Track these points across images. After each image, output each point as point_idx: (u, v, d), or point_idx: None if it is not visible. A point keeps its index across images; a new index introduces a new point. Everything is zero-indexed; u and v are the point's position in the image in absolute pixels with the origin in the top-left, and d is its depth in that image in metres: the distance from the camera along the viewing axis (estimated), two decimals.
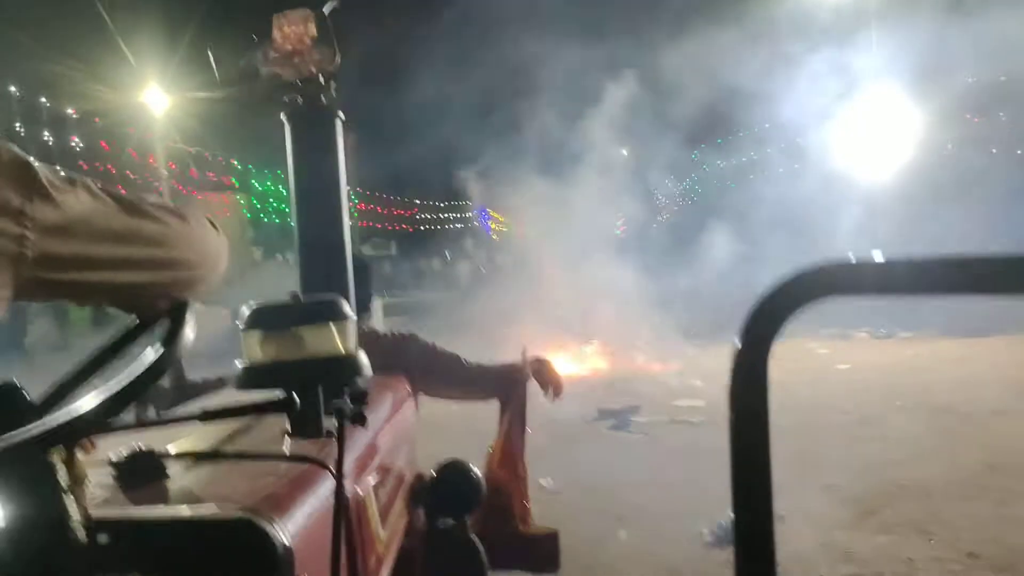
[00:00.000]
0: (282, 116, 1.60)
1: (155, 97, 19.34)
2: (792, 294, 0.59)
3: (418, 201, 30.37)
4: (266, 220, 21.69)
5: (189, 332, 0.98)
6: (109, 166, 19.66)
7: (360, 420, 1.08)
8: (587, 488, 5.65)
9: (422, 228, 31.30)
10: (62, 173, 0.85)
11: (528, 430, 2.88)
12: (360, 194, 25.81)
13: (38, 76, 16.30)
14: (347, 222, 1.65)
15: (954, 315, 12.54)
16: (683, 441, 6.77)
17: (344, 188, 1.62)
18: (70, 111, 18.90)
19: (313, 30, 1.56)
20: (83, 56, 17.38)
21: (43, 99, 17.59)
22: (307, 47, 1.56)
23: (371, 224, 28.61)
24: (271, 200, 22.65)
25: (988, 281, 0.59)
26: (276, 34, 1.56)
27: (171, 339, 0.95)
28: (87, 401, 0.85)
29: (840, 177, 14.81)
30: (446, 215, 32.62)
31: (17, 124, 17.35)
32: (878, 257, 0.61)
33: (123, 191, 0.95)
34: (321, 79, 1.57)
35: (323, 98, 1.58)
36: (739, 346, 0.59)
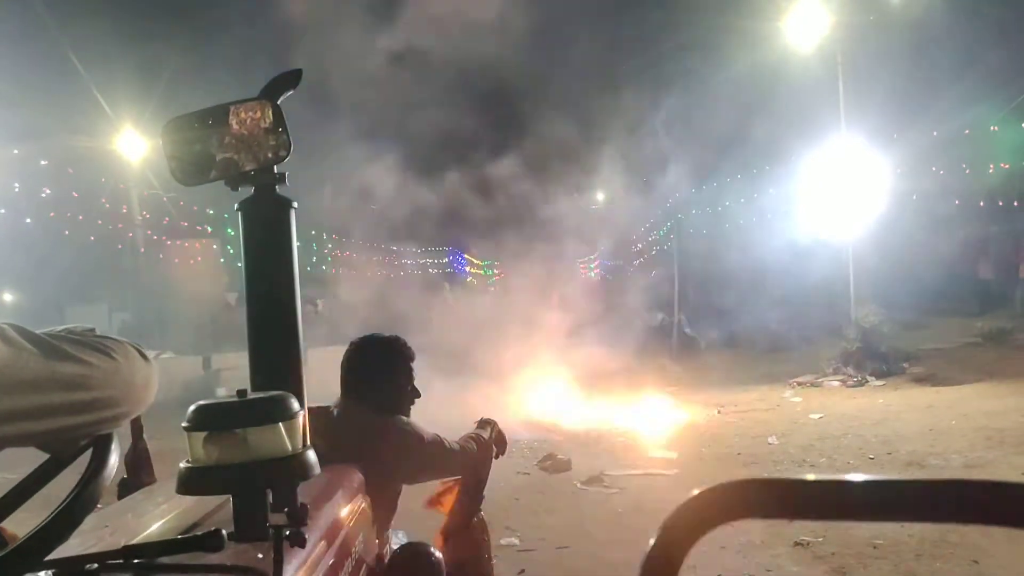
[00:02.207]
0: (236, 206, 1.60)
1: (129, 143, 19.30)
2: (710, 511, 0.57)
3: (395, 248, 30.33)
4: (240, 266, 21.54)
5: (112, 463, 0.95)
6: (80, 217, 19.47)
7: (299, 543, 1.05)
8: (559, 546, 5.57)
9: (401, 273, 31.19)
10: None
11: (483, 496, 2.81)
12: (336, 241, 25.75)
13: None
14: (300, 314, 1.63)
15: (925, 364, 12.75)
16: (658, 495, 6.71)
17: (297, 279, 1.62)
18: (43, 162, 18.80)
19: (269, 118, 1.57)
20: (56, 100, 17.36)
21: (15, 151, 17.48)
22: (262, 136, 1.56)
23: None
24: None
25: (915, 505, 0.58)
26: (232, 121, 1.57)
27: (94, 476, 0.92)
28: (10, 546, 0.82)
29: (813, 227, 15.03)
30: (422, 260, 32.62)
31: None
32: (798, 475, 0.59)
33: (43, 333, 0.92)
34: (275, 168, 1.57)
35: (277, 187, 1.59)
36: (648, 558, 0.56)
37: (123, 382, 1.00)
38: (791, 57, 14.70)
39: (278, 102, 1.55)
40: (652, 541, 0.56)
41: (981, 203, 17.84)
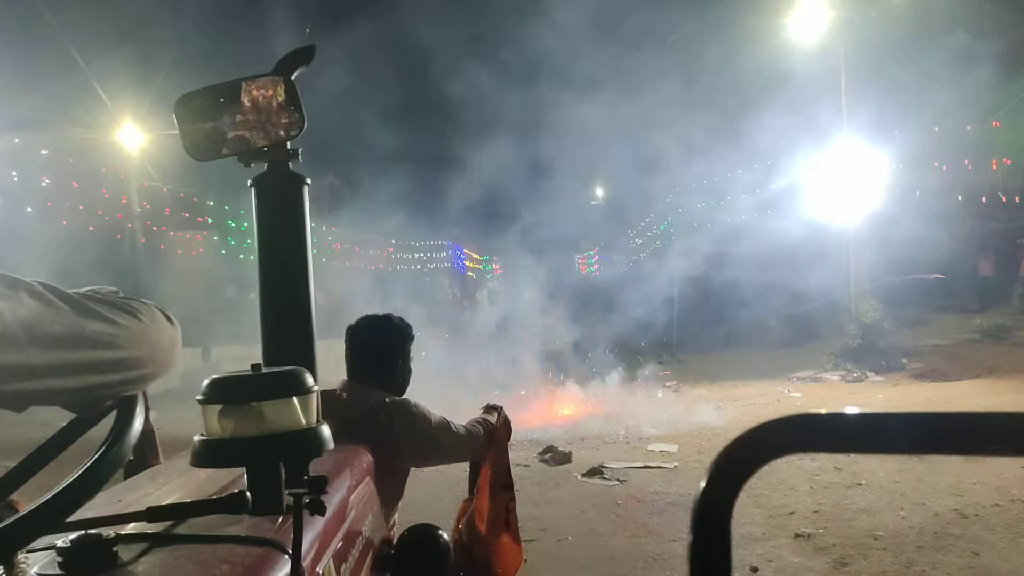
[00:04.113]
0: (249, 182, 1.59)
1: (130, 134, 19.27)
2: (760, 447, 0.56)
3: (394, 241, 30.31)
4: (241, 258, 21.58)
5: (137, 425, 0.94)
6: (80, 207, 19.45)
7: (319, 510, 1.05)
8: (560, 538, 5.58)
9: (398, 267, 31.16)
10: (5, 275, 0.82)
11: (517, 489, 2.78)
12: (336, 234, 25.73)
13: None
14: (313, 291, 1.63)
15: (924, 360, 12.75)
16: (658, 487, 6.72)
17: (311, 256, 1.61)
18: (43, 151, 18.77)
19: (281, 95, 1.56)
20: (56, 93, 17.33)
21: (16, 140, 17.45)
22: (275, 112, 1.56)
23: (352, 264, 28.50)
24: (248, 239, 22.52)
25: (975, 437, 0.57)
26: (244, 98, 1.56)
27: (119, 437, 0.91)
28: (33, 504, 0.81)
29: (813, 222, 15.01)
30: (421, 255, 32.58)
31: None
32: (852, 411, 0.57)
33: (75, 292, 0.92)
34: (288, 145, 1.56)
35: (290, 164, 1.58)
36: (700, 498, 0.56)
37: (149, 343, 1.00)
38: (793, 51, 14.66)
39: (292, 78, 1.55)
40: (703, 484, 0.56)
41: (983, 199, 17.81)
